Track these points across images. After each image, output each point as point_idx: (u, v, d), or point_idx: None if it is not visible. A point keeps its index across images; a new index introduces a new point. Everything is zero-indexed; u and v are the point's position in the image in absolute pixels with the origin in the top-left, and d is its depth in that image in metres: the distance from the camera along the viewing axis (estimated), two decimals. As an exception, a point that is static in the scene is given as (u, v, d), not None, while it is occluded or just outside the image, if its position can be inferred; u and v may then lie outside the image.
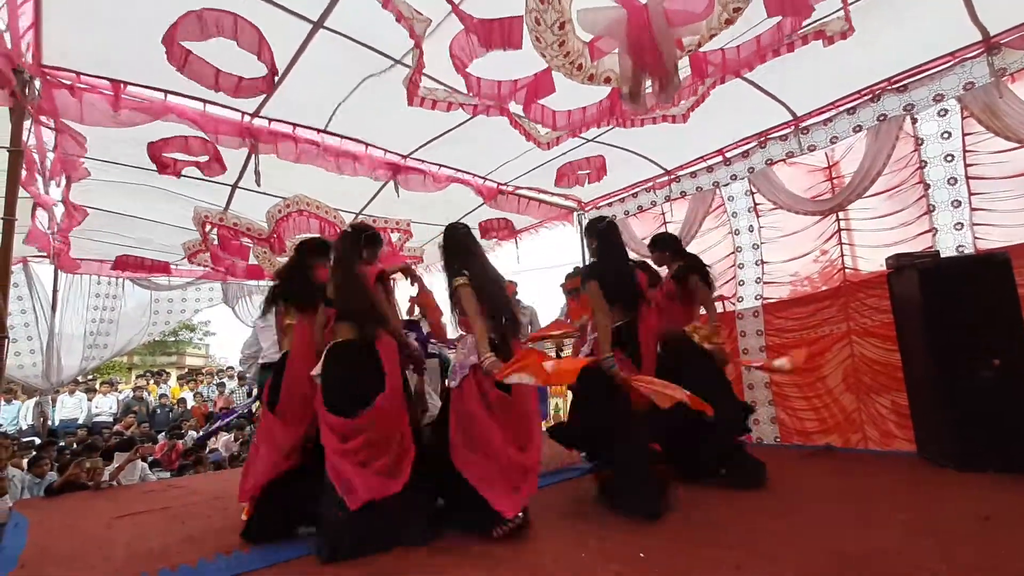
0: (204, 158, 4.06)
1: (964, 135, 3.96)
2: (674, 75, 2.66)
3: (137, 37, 2.99)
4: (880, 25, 3.37)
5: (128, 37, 3.09)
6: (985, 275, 3.54)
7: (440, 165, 5.08)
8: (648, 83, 2.82)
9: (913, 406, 3.99)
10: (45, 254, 5.78)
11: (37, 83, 3.18)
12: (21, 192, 3.16)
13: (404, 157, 4.85)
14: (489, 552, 2.56)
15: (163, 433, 7.49)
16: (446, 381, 3.21)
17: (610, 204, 6.42)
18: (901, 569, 2.10)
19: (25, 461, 5.18)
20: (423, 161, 4.96)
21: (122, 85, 3.45)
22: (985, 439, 3.35)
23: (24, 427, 7.90)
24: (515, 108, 3.54)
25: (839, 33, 3.08)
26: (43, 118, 3.41)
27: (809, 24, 3.09)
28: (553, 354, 5.20)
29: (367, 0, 2.59)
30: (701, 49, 2.88)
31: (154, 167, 4.01)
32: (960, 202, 4.01)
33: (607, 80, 2.94)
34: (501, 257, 7.22)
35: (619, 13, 2.49)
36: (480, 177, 5.43)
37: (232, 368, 12.42)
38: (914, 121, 4.15)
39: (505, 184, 5.68)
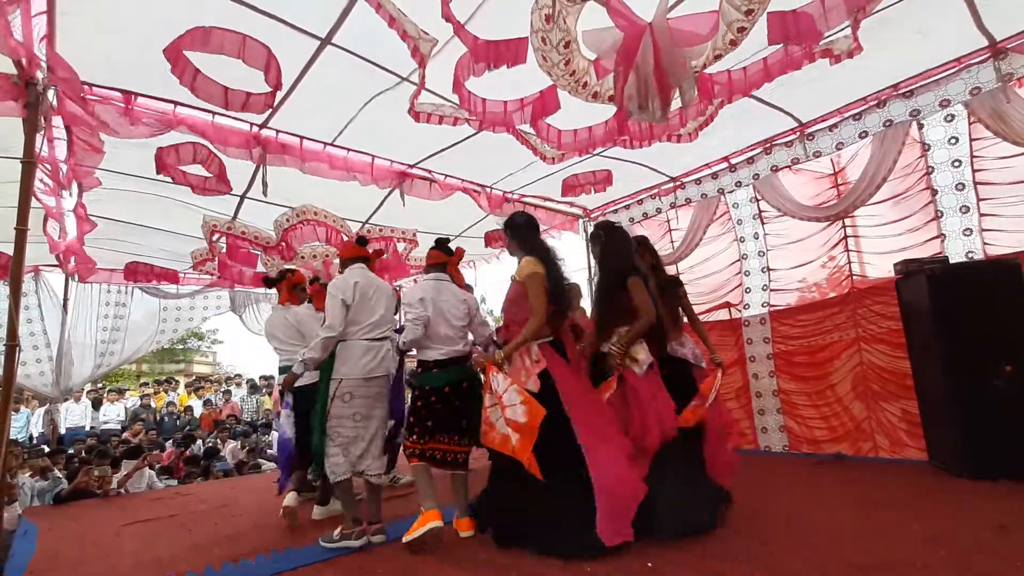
0: (210, 174, 4.10)
1: (971, 140, 3.94)
2: (686, 90, 2.66)
3: (146, 48, 3.03)
4: (886, 31, 3.37)
5: (138, 48, 3.14)
6: (995, 281, 3.51)
7: (446, 175, 5.12)
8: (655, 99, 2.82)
9: (924, 414, 3.94)
10: (56, 263, 5.84)
11: (50, 95, 3.23)
12: (33, 203, 3.20)
13: (410, 167, 4.89)
14: (492, 560, 2.54)
15: (170, 441, 7.53)
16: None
17: (615, 211, 6.42)
18: (914, 579, 2.08)
19: (29, 474, 5.18)
20: (429, 171, 5.00)
21: (133, 96, 3.50)
22: (997, 446, 3.31)
23: (35, 435, 7.95)
24: (520, 125, 3.56)
25: (846, 52, 3.08)
26: (55, 129, 3.47)
27: None
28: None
29: (374, 18, 2.62)
30: (707, 70, 2.89)
31: (163, 177, 4.05)
32: (968, 207, 3.98)
33: (611, 98, 2.95)
34: (505, 266, 7.25)
35: (622, 34, 2.51)
36: (486, 187, 5.45)
37: (239, 376, 12.45)
38: (920, 126, 4.14)
39: (510, 192, 5.71)
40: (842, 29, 3.06)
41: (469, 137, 4.23)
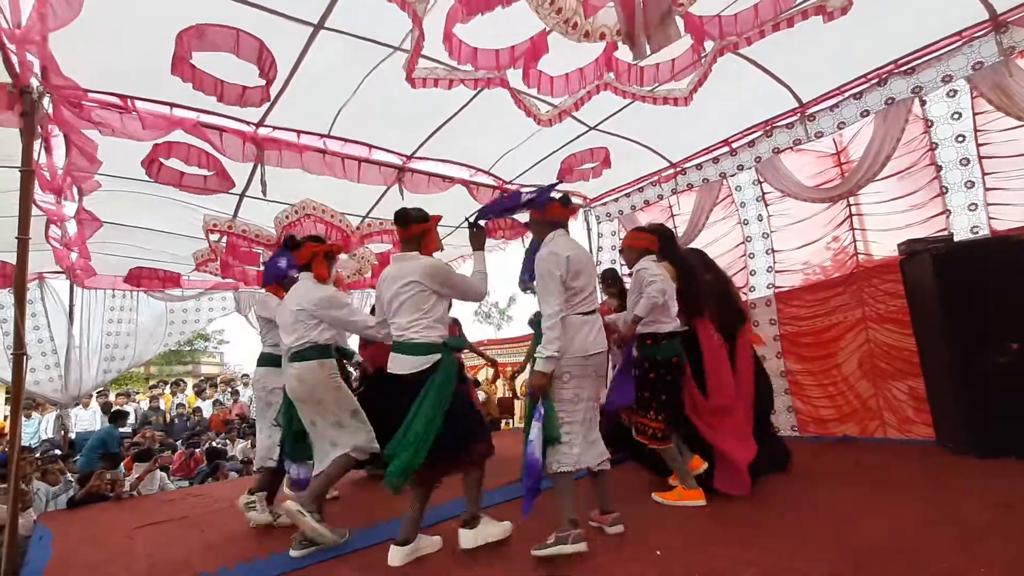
0: (210, 173, 4.09)
1: (975, 115, 3.88)
2: (663, 26, 2.59)
3: (140, 52, 3.02)
4: (885, 6, 3.32)
5: (131, 52, 3.13)
6: (1000, 258, 3.48)
7: (444, 161, 5.07)
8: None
9: (930, 392, 3.93)
10: (60, 269, 5.86)
11: (46, 102, 3.22)
12: (35, 211, 3.20)
13: (408, 158, 4.86)
14: (505, 552, 2.56)
15: (180, 442, 7.58)
16: None
17: (616, 199, 6.39)
18: (921, 562, 2.07)
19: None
20: (427, 159, 4.96)
21: (129, 100, 3.49)
22: (1004, 425, 3.30)
23: (45, 439, 8.02)
24: (515, 84, 3.55)
25: (839, 8, 3.03)
26: (53, 135, 3.46)
27: None
28: None
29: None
30: (697, 14, 2.83)
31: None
32: (973, 183, 3.93)
33: (602, 36, 2.91)
34: (508, 256, 7.21)
35: None
36: (484, 172, 5.41)
37: (247, 376, 12.48)
38: (923, 103, 4.08)
39: (509, 183, 5.67)
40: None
41: (465, 106, 4.13)
